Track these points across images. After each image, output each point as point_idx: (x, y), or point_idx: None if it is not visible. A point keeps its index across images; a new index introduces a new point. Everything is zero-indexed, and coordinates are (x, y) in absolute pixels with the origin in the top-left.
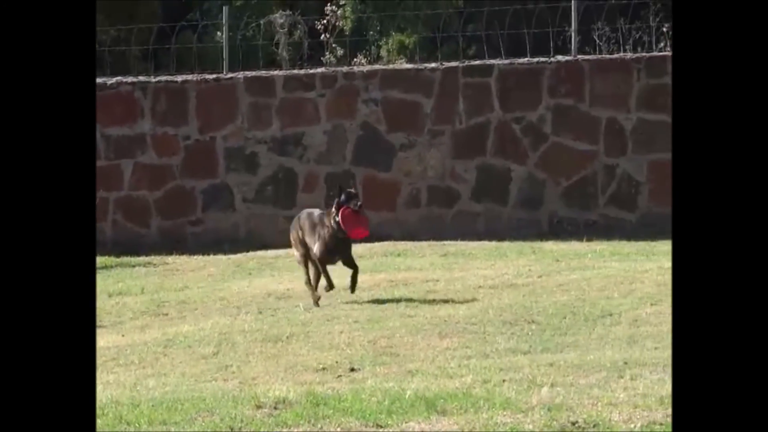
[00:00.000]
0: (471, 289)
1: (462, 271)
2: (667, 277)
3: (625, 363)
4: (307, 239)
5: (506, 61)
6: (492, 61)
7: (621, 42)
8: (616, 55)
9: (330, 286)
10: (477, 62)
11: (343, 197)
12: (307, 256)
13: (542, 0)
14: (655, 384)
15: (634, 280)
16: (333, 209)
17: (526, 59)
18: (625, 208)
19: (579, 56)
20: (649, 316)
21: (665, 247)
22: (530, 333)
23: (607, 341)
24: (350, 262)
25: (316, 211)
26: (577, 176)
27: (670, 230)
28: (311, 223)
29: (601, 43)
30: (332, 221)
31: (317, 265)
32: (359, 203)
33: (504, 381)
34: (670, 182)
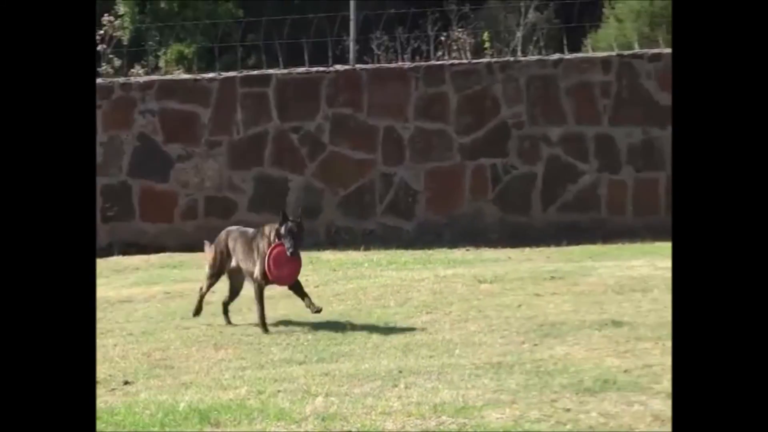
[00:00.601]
0: (247, 300)
1: None
2: (443, 285)
3: (400, 371)
4: (242, 263)
5: (284, 71)
6: (270, 71)
7: (399, 51)
8: (394, 65)
9: (263, 323)
10: (255, 72)
11: (282, 229)
12: (218, 276)
13: (321, 10)
14: (428, 392)
15: (410, 288)
16: (274, 230)
17: (305, 69)
18: (402, 216)
19: (357, 65)
20: (424, 324)
21: (441, 255)
22: (306, 343)
23: (382, 350)
24: (297, 287)
25: (249, 230)
26: (355, 185)
27: (446, 238)
28: (246, 242)
29: (379, 53)
30: (272, 237)
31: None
32: (292, 250)
33: (278, 391)
34: (446, 190)
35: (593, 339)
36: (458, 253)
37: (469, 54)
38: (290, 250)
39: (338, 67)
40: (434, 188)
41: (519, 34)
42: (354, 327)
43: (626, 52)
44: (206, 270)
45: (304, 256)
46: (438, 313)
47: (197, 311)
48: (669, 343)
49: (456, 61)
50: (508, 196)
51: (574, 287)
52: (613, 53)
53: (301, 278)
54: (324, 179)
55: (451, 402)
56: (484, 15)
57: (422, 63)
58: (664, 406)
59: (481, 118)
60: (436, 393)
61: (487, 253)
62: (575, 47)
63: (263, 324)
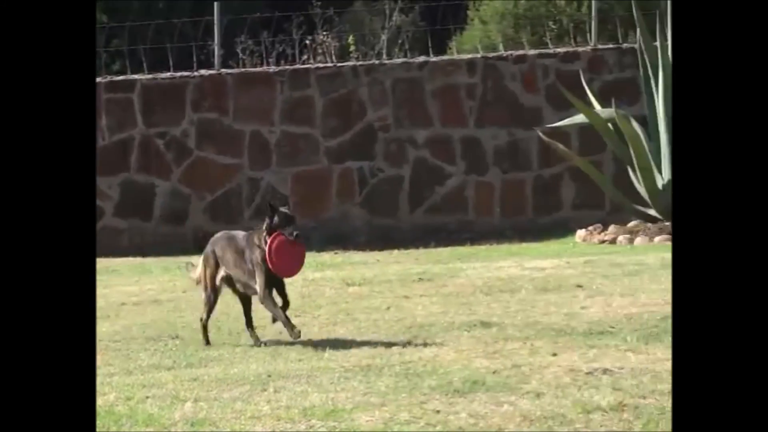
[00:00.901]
0: (115, 306)
1: (106, 288)
2: (312, 289)
3: (269, 376)
4: (233, 272)
5: (149, 76)
6: (135, 77)
7: (264, 55)
8: (259, 69)
9: (288, 325)
10: (120, 78)
11: (276, 220)
12: (215, 295)
13: (185, 14)
14: (298, 396)
15: None
16: (264, 231)
17: (170, 74)
18: None
19: (222, 70)
20: None
21: (309, 258)
22: (174, 348)
23: (251, 354)
24: (282, 292)
25: (239, 234)
26: (222, 190)
27: (314, 242)
28: (236, 250)
29: (244, 57)
30: (264, 244)
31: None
32: (296, 232)
33: (147, 397)
34: (313, 194)
35: (462, 340)
36: (326, 257)
37: (334, 57)
38: (295, 232)
39: (203, 71)
40: (301, 192)
41: (384, 37)
42: (221, 332)
43: (491, 54)
44: (201, 294)
45: (172, 262)
46: (307, 316)
47: (206, 341)
48: (537, 343)
49: (321, 65)
50: (375, 199)
51: (443, 289)
52: (478, 55)
53: (169, 284)
54: (190, 184)
55: (321, 405)
56: (349, 18)
57: (287, 67)
58: (532, 405)
59: (348, 121)
60: (306, 396)
61: (356, 256)
62: (440, 50)
63: (288, 325)
